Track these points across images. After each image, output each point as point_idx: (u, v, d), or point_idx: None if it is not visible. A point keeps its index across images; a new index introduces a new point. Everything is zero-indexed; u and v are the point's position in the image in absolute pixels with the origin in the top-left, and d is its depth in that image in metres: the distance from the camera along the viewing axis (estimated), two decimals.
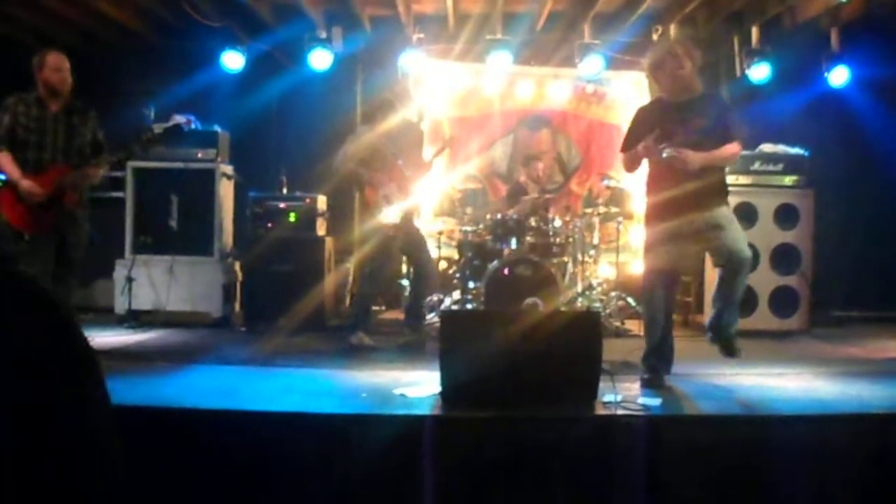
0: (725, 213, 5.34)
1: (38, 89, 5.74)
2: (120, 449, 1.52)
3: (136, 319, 7.47)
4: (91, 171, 5.79)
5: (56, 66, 5.72)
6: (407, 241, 6.77)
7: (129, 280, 7.47)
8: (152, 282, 7.60)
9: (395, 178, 6.60)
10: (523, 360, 4.38)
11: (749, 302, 7.64)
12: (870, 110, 8.05)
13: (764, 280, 7.67)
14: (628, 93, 9.41)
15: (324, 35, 8.45)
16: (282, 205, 7.82)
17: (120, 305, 7.56)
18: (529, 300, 6.94)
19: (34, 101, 5.73)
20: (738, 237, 5.29)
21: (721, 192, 5.39)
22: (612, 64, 8.90)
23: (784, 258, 7.69)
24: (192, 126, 7.78)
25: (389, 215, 6.51)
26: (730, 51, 8.85)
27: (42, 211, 5.61)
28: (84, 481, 1.41)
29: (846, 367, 5.92)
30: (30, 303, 1.40)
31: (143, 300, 7.58)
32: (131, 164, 7.68)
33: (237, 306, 7.97)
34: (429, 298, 7.34)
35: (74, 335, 1.43)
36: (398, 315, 8.29)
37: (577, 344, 4.53)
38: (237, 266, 7.93)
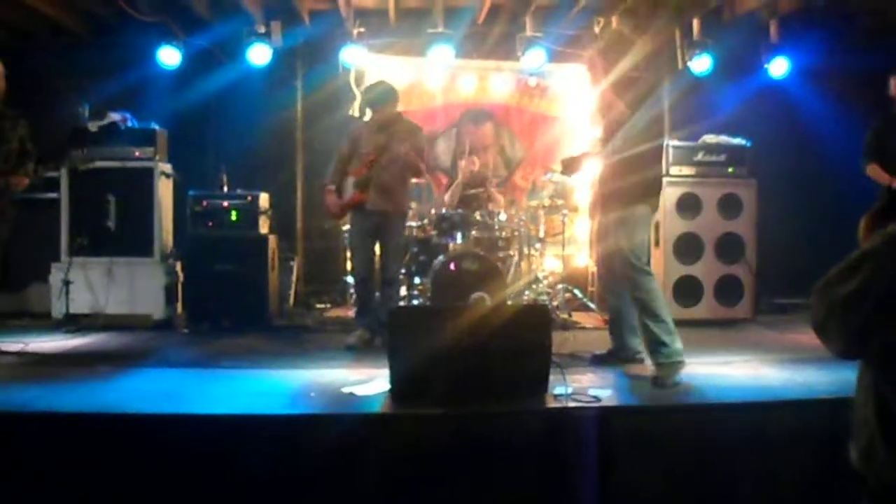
0: (614, 218, 5.22)
1: None
2: None
3: (74, 323, 7.23)
4: (13, 181, 5.73)
5: None
6: (386, 240, 6.66)
7: (66, 283, 7.24)
8: (90, 284, 7.38)
9: (356, 175, 6.47)
10: (473, 355, 4.34)
11: (694, 291, 7.73)
12: (809, 100, 8.16)
13: (709, 269, 7.74)
14: (571, 86, 9.42)
15: (262, 30, 8.30)
16: (223, 203, 7.66)
17: (57, 310, 7.32)
18: (476, 294, 6.90)
19: None
20: (607, 248, 5.31)
21: (614, 193, 5.23)
22: (555, 57, 8.88)
23: (728, 247, 7.75)
24: (129, 124, 7.65)
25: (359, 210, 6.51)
26: (671, 43, 8.89)
27: None
28: None
29: (792, 353, 5.98)
30: None
31: (81, 304, 7.35)
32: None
33: (179, 307, 7.79)
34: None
35: None
36: (343, 312, 8.20)
37: (527, 337, 4.50)
38: (178, 266, 7.75)
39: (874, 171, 6.52)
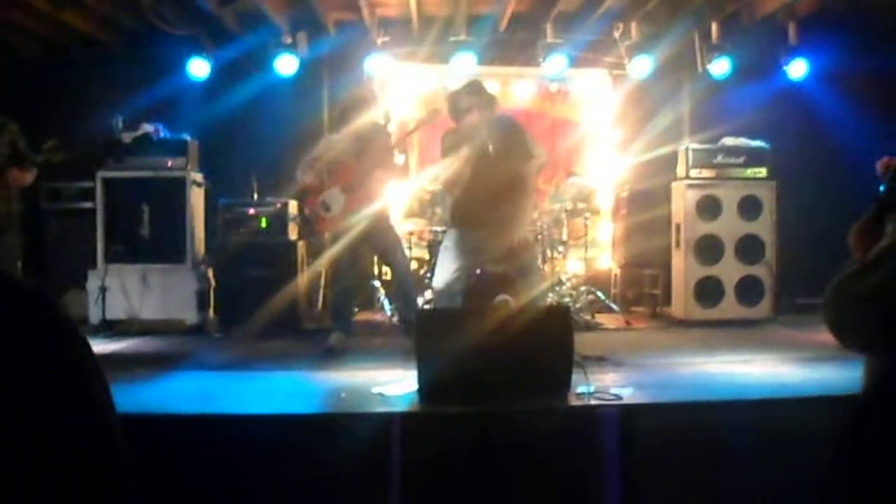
0: None
1: None
2: (129, 455, 1.49)
3: (110, 329, 7.47)
4: (7, 180, 5.99)
5: None
6: (376, 244, 6.81)
7: (103, 290, 7.48)
8: (125, 291, 7.61)
9: (343, 182, 6.63)
10: (498, 356, 4.45)
11: (715, 291, 7.83)
12: (828, 102, 8.24)
13: (729, 270, 7.85)
14: (591, 91, 9.55)
15: (289, 41, 8.48)
16: (252, 210, 7.88)
17: (94, 315, 7.56)
18: (501, 297, 7.03)
19: None
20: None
21: None
22: (575, 62, 9.01)
23: (748, 248, 7.87)
24: (161, 135, 7.87)
25: (351, 220, 6.54)
26: (690, 47, 9.00)
27: None
28: (93, 488, 1.38)
29: (811, 352, 6.06)
30: (17, 304, 1.37)
31: (117, 309, 7.59)
32: (101, 174, 7.71)
33: (211, 312, 8.00)
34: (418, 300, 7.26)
35: (70, 337, 1.41)
36: (371, 316, 8.35)
37: (550, 337, 4.63)
38: (210, 273, 7.96)
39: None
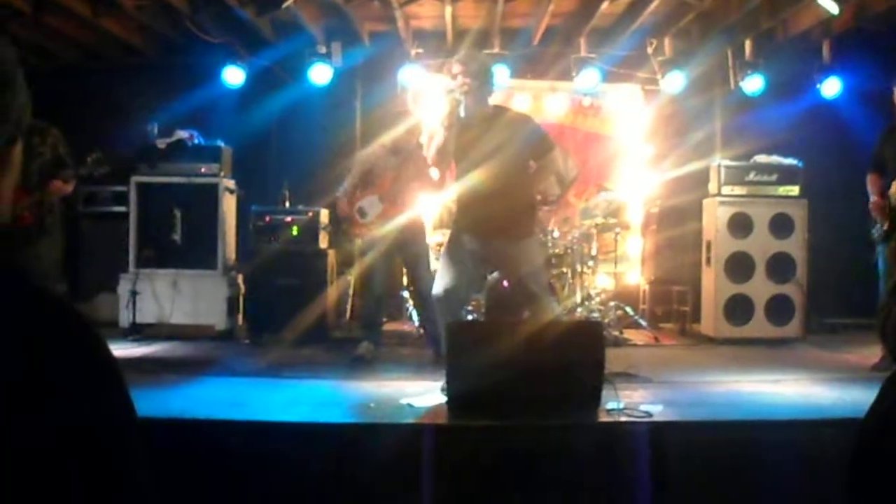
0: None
1: None
2: (147, 467, 1.49)
3: (139, 333, 7.53)
4: (50, 190, 5.85)
5: None
6: (408, 254, 6.84)
7: (134, 294, 7.55)
8: (156, 295, 7.67)
9: (381, 190, 6.68)
10: (528, 370, 4.46)
11: (745, 310, 7.79)
12: (861, 120, 8.15)
13: (760, 288, 7.80)
14: (624, 105, 9.53)
15: (323, 50, 8.52)
16: (284, 218, 7.92)
17: (124, 319, 7.63)
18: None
19: None
20: None
21: None
22: (608, 77, 9.02)
23: (779, 267, 7.82)
24: (195, 141, 7.94)
25: (386, 228, 6.59)
26: (723, 63, 8.98)
27: None
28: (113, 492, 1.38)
29: (842, 373, 6.02)
30: (41, 310, 1.37)
31: (147, 314, 7.65)
32: (135, 178, 7.80)
33: (240, 319, 8.06)
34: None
35: (93, 344, 1.41)
36: (399, 326, 8.37)
37: (581, 353, 4.62)
38: (240, 279, 8.02)
39: (869, 182, 6.70)
